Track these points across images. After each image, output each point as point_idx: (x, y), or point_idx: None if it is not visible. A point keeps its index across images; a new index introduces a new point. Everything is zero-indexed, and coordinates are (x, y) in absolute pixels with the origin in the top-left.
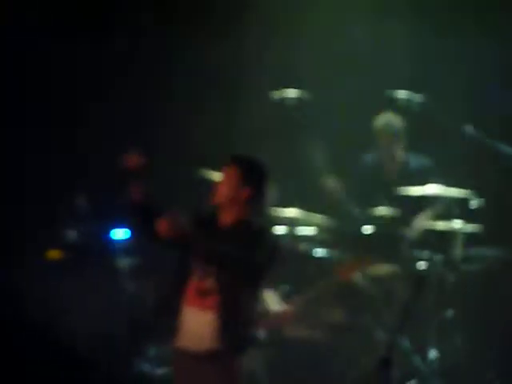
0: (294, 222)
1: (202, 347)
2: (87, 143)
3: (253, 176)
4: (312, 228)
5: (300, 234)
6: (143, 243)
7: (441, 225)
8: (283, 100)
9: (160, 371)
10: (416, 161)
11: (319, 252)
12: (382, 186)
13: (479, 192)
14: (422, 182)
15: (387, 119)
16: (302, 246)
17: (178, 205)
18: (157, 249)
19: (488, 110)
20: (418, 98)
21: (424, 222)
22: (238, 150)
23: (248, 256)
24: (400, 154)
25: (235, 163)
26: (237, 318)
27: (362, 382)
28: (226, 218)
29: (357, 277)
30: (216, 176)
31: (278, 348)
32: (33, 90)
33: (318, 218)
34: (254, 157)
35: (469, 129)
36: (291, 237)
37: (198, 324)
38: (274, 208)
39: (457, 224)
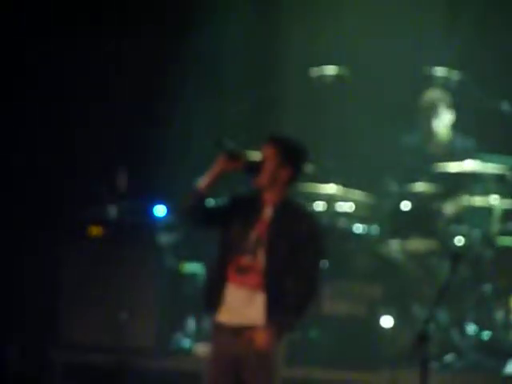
0: (333, 198)
1: (245, 323)
2: (126, 119)
3: (292, 156)
4: (350, 204)
5: (339, 210)
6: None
7: (479, 201)
8: (321, 77)
9: (199, 346)
10: (460, 141)
11: (358, 228)
12: (422, 163)
13: None
14: (463, 161)
15: (433, 96)
16: (341, 222)
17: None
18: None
19: None
20: (456, 75)
21: (462, 198)
22: (278, 128)
23: (293, 235)
24: (443, 131)
25: (274, 143)
26: (283, 297)
27: (400, 356)
28: (268, 199)
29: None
30: (256, 157)
31: (318, 323)
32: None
33: (357, 193)
34: (292, 136)
35: (506, 105)
36: (330, 213)
37: (239, 301)
38: (313, 184)
39: (494, 200)
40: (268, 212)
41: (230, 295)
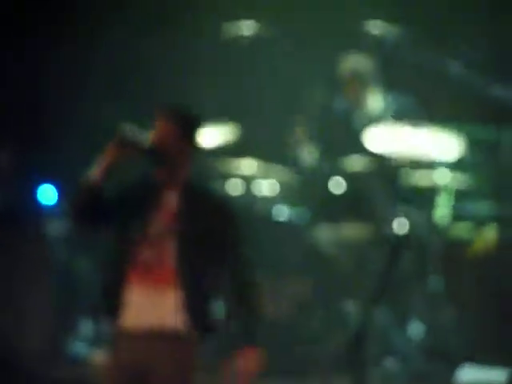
0: (251, 176)
1: (160, 326)
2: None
3: (191, 128)
4: (273, 183)
5: (258, 191)
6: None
7: (424, 179)
8: (237, 38)
9: (97, 353)
10: (395, 102)
11: (281, 213)
12: (352, 136)
13: (470, 139)
14: (403, 127)
15: (354, 65)
16: (261, 206)
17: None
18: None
19: (476, 43)
20: (395, 32)
21: (403, 176)
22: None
23: (206, 222)
24: (372, 100)
25: (168, 117)
26: (201, 293)
27: (333, 361)
28: (170, 182)
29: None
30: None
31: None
32: None
33: (280, 171)
34: (185, 106)
35: (453, 65)
36: (247, 195)
37: (144, 301)
38: (227, 160)
39: (443, 178)
40: (172, 197)
41: (134, 296)
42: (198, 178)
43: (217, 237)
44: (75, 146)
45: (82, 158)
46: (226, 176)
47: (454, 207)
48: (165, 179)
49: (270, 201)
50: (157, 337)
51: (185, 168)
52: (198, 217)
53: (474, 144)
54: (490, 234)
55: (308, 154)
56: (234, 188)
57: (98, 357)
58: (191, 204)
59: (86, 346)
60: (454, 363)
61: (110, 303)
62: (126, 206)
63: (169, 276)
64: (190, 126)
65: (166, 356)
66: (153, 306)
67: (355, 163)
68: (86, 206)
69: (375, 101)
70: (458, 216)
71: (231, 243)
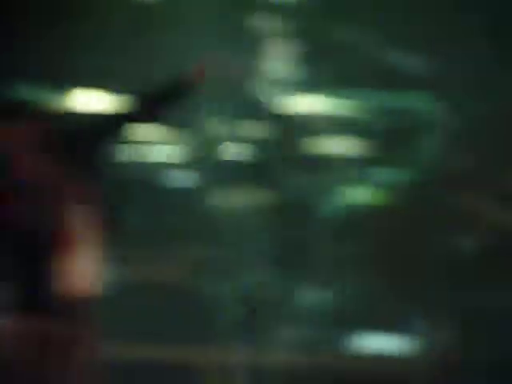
0: (142, 140)
1: None
2: None
3: None
4: (165, 148)
5: (149, 156)
6: None
7: (325, 145)
8: None
9: None
10: (297, 71)
11: (175, 178)
12: (253, 100)
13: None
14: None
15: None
16: (153, 172)
17: None
18: None
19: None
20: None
21: (305, 142)
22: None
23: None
24: (276, 66)
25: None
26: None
27: (229, 329)
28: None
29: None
30: None
31: (136, 292)
32: None
33: (173, 134)
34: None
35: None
36: (138, 161)
37: None
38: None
39: (344, 144)
40: None
41: None
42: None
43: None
44: None
45: None
46: (124, 142)
47: (355, 173)
48: None
49: (167, 166)
50: None
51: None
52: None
53: (376, 110)
54: (389, 199)
55: (206, 118)
56: (132, 153)
57: None
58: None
59: None
60: (351, 330)
61: None
62: None
63: None
64: None
65: None
66: None
67: (255, 128)
68: None
69: (279, 66)
70: (359, 181)
71: None
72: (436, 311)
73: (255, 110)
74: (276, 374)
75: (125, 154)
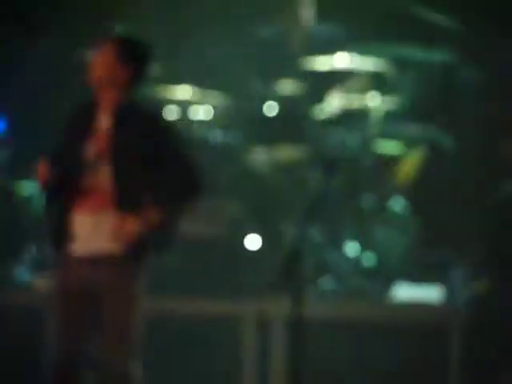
0: (187, 102)
1: (95, 252)
2: None
3: (133, 54)
4: (207, 108)
5: (193, 116)
6: None
7: (355, 102)
8: None
9: (40, 279)
10: (323, 30)
11: (216, 136)
12: (285, 59)
13: (399, 63)
14: (332, 54)
15: None
16: (197, 130)
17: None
18: None
19: None
20: None
21: (336, 99)
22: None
23: (145, 144)
24: (305, 23)
25: (111, 40)
26: (135, 216)
27: (269, 282)
28: (105, 105)
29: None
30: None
31: (174, 248)
32: None
33: (215, 96)
34: (133, 33)
35: None
36: (183, 120)
37: (86, 227)
38: (162, 86)
39: (373, 100)
40: (105, 120)
41: (76, 223)
42: (137, 102)
43: (152, 155)
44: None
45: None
46: (163, 102)
47: (384, 128)
48: (99, 103)
49: (206, 125)
50: (97, 262)
51: (122, 91)
52: (131, 137)
53: (403, 65)
54: (418, 155)
55: (241, 78)
56: (170, 114)
57: (42, 283)
58: (123, 125)
59: (29, 271)
60: (388, 281)
61: (54, 231)
62: (69, 136)
63: (105, 201)
64: (130, 52)
65: (107, 281)
66: (92, 231)
67: (288, 86)
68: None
69: (306, 26)
70: (387, 136)
71: (169, 155)
72: (475, 261)
73: (290, 70)
74: (315, 325)
75: (169, 114)
